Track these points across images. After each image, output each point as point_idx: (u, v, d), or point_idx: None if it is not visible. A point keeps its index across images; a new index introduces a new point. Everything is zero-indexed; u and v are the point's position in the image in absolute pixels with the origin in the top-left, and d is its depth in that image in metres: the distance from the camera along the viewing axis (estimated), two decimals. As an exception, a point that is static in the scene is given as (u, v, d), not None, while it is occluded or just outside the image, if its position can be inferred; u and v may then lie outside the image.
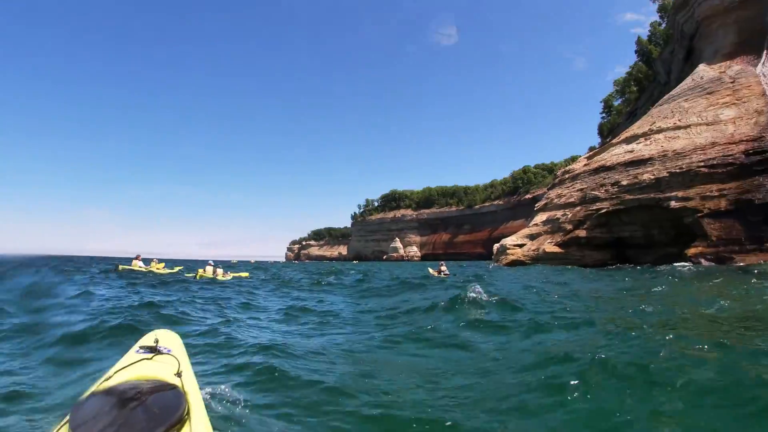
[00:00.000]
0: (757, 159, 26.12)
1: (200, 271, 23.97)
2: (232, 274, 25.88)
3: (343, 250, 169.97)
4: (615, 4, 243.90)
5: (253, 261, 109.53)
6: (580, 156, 53.37)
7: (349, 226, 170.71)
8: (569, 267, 28.70)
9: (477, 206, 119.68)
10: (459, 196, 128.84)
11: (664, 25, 59.72)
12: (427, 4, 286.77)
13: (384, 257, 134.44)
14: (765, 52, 36.71)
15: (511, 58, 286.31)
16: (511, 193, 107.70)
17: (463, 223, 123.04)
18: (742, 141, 28.48)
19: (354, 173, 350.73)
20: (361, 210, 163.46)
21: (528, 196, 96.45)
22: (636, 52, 65.14)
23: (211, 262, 25.45)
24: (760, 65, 35.75)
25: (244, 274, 27.44)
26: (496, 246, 38.11)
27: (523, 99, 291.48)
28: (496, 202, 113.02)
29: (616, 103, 72.21)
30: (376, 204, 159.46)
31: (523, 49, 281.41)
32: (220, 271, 24.49)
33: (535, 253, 33.10)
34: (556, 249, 31.93)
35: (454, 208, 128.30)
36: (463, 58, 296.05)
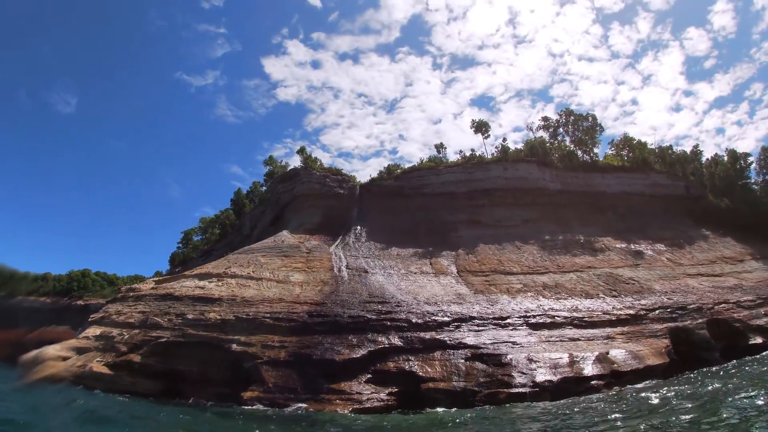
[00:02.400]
0: (318, 320, 28.66)
1: None
2: None
3: None
4: (229, 156, 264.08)
5: None
6: (145, 277, 50.53)
7: None
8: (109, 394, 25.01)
9: (20, 297, 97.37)
10: (3, 279, 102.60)
11: (264, 188, 65.67)
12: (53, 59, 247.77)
13: None
14: (341, 237, 43.27)
15: (117, 156, 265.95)
16: (62, 293, 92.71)
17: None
18: (307, 303, 31.08)
19: None
20: None
21: (80, 302, 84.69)
22: (232, 200, 69.21)
23: None
24: (334, 246, 41.52)
25: None
26: (33, 352, 29.96)
27: (110, 201, 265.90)
28: (42, 299, 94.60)
29: (195, 239, 74.06)
30: None
31: (131, 153, 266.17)
32: None
33: (81, 370, 27.16)
34: (106, 370, 26.89)
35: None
36: (74, 134, 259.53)
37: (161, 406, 23.23)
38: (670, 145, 65.58)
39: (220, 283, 34.29)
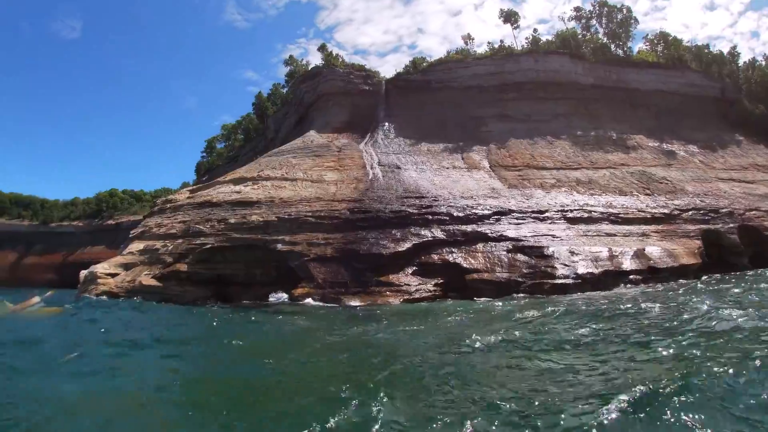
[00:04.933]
0: (360, 217, 29.84)
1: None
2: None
3: None
4: (243, 62, 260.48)
5: None
6: (172, 190, 51.45)
7: None
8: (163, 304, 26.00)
9: (54, 224, 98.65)
10: (35, 208, 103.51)
11: (286, 90, 65.13)
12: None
13: None
14: (369, 135, 43.61)
15: (129, 75, 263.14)
16: (93, 215, 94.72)
17: (35, 242, 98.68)
18: (345, 200, 32.09)
19: None
20: None
21: (111, 221, 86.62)
22: (253, 104, 68.94)
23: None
24: (363, 143, 41.97)
25: None
26: (83, 273, 31.49)
27: (127, 120, 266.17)
28: (75, 223, 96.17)
29: (219, 146, 74.89)
30: None
31: (142, 70, 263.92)
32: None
33: (131, 285, 28.51)
34: (154, 282, 28.25)
35: (26, 222, 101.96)
36: (81, 58, 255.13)
37: (216, 309, 24.01)
38: (707, 44, 63.52)
39: (255, 186, 35.07)
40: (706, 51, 60.61)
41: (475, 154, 41.06)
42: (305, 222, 29.70)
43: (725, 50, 63.17)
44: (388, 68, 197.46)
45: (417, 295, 23.99)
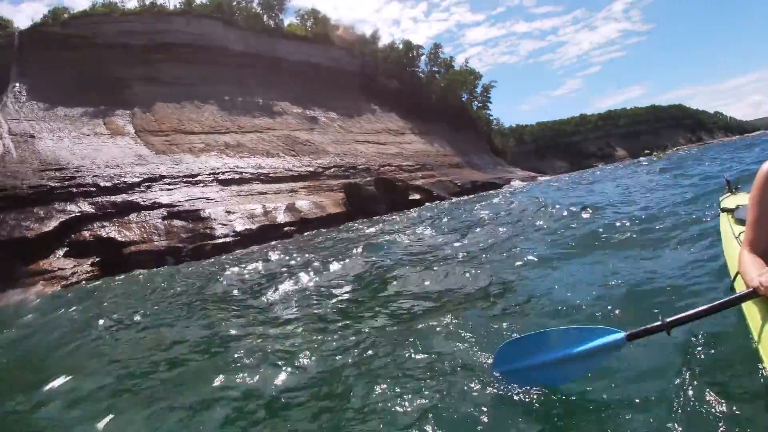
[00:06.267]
0: (-5, 197, 26.03)
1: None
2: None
3: None
4: None
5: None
6: None
7: None
8: None
9: None
10: None
11: None
12: None
13: None
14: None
15: None
16: None
17: None
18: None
19: None
20: None
21: None
22: None
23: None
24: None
25: None
26: None
27: None
28: None
29: None
30: None
31: None
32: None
33: None
34: None
35: None
36: None
37: None
38: (353, 26, 72.52)
39: None
40: (351, 31, 68.83)
41: (118, 119, 38.93)
42: None
43: (368, 33, 72.63)
44: (22, 18, 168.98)
45: (74, 279, 22.02)
